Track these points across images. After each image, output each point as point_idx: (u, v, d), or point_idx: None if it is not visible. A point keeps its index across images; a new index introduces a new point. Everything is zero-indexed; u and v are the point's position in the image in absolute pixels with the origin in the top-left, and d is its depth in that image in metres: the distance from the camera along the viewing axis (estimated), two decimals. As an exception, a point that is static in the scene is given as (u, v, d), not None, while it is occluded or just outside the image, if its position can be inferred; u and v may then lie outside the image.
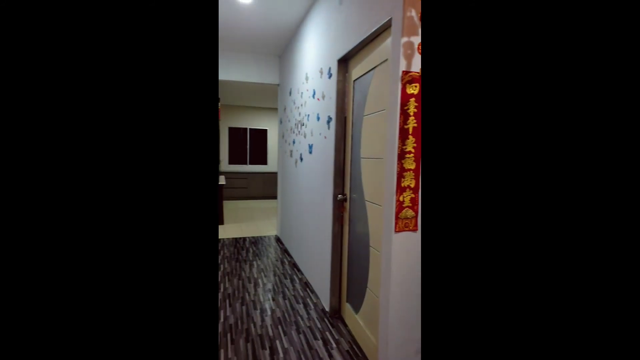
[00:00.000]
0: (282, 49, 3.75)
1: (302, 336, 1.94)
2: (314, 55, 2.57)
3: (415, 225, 1.40)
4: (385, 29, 1.52)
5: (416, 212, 1.39)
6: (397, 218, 1.37)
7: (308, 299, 2.43)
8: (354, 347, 1.84)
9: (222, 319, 2.13)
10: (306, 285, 2.69)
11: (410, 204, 1.38)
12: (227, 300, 2.40)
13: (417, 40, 1.30)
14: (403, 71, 1.30)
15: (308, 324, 2.08)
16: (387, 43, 1.52)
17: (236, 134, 7.50)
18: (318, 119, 2.45)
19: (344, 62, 2.04)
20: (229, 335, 1.95)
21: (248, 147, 7.63)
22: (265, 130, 7.70)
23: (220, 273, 2.93)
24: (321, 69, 2.37)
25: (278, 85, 4.09)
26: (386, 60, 1.54)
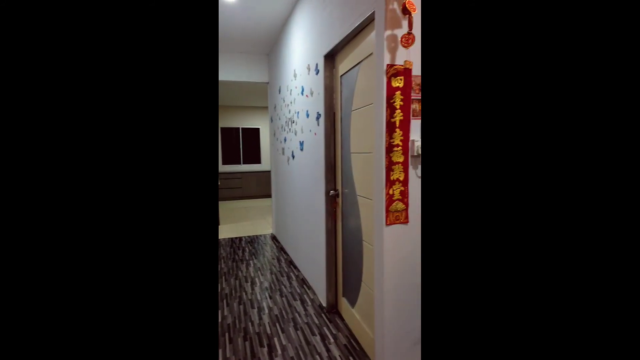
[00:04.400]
0: (270, 47, 3.72)
1: (299, 332, 1.95)
2: (301, 52, 2.57)
3: (406, 217, 1.41)
4: (369, 22, 1.52)
5: (406, 205, 1.40)
6: (387, 211, 1.38)
7: (305, 296, 2.44)
8: (352, 341, 1.86)
9: (219, 319, 2.13)
10: (303, 282, 2.70)
11: (400, 197, 1.39)
12: (225, 300, 2.40)
13: (400, 32, 1.30)
14: (387, 64, 1.31)
15: (305, 320, 2.09)
16: (372, 37, 1.52)
17: (229, 134, 7.46)
18: (307, 115, 2.44)
19: (331, 58, 2.03)
20: (227, 334, 1.95)
21: (241, 146, 7.60)
22: (258, 129, 7.67)
23: (216, 274, 2.93)
24: (308, 65, 2.36)
25: (267, 83, 4.07)
26: (371, 54, 1.54)
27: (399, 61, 1.31)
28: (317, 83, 2.19)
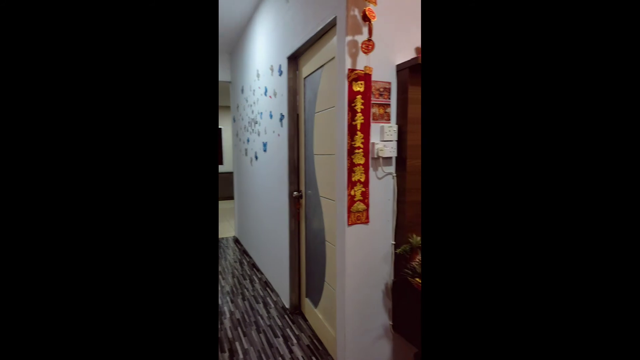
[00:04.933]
0: (232, 45, 3.65)
1: (262, 335, 1.93)
2: (264, 52, 2.55)
3: (367, 217, 1.45)
4: (331, 27, 1.56)
5: (367, 205, 1.45)
6: (349, 212, 1.42)
7: (268, 298, 2.42)
8: (314, 341, 1.87)
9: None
10: (266, 284, 2.67)
11: (361, 198, 1.43)
12: (183, 307, 2.31)
13: (360, 38, 1.34)
14: (349, 69, 1.34)
15: (268, 323, 2.07)
16: (334, 41, 1.55)
17: (188, 134, 7.18)
18: (271, 116, 2.43)
19: (294, 60, 2.04)
20: (185, 342, 1.88)
21: (202, 147, 7.35)
22: (220, 129, 7.46)
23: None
24: (272, 66, 2.35)
25: (230, 82, 3.99)
26: (333, 58, 1.57)
27: (360, 66, 1.36)
28: (280, 84, 2.18)
